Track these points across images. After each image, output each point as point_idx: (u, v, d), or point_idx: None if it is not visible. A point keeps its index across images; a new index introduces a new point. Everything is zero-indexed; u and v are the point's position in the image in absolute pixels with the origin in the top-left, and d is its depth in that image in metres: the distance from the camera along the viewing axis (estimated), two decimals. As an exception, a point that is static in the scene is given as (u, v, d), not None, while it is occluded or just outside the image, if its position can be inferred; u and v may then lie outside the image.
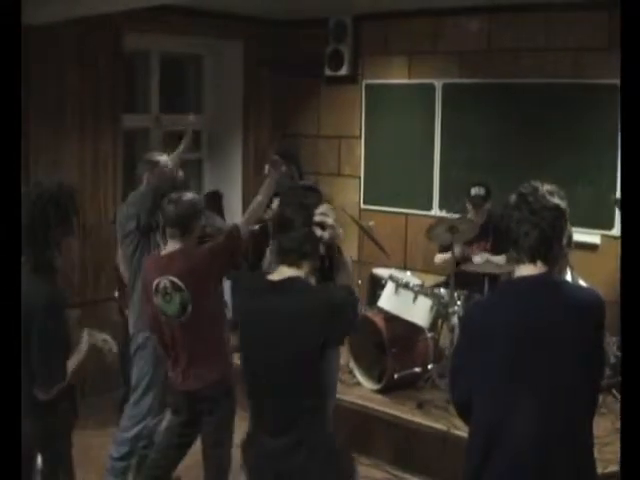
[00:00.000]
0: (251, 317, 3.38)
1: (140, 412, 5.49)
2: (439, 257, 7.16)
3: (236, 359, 4.65)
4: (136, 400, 5.51)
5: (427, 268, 7.81)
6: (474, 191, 6.96)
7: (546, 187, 3.04)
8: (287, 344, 3.24)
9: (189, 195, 4.90)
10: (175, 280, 4.67)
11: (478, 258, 6.83)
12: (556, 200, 3.01)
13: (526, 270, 3.02)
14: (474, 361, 3.03)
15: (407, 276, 6.92)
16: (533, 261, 3.01)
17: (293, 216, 3.33)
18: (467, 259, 6.87)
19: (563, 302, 3.00)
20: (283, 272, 3.33)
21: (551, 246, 3.01)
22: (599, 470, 3.13)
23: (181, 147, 6.21)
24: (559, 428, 2.95)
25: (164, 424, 5.29)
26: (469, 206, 6.97)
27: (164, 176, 5.71)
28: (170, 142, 8.53)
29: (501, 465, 2.95)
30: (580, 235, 6.22)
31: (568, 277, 4.79)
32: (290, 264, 3.32)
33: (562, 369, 2.94)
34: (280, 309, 3.24)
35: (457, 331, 6.39)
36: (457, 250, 6.66)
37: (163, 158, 5.79)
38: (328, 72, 8.67)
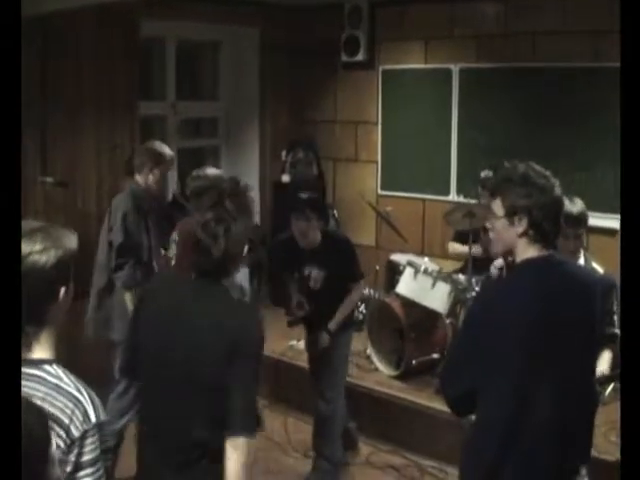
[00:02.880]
0: None
1: (124, 405, 5.42)
2: (452, 247, 7.12)
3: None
4: (120, 394, 5.44)
5: (445, 254, 7.79)
6: (483, 174, 6.94)
7: (538, 167, 3.10)
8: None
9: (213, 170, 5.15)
10: None
11: (498, 264, 6.76)
12: (554, 181, 3.07)
13: (531, 252, 3.03)
14: (485, 349, 2.98)
15: (425, 262, 6.90)
16: (546, 243, 3.03)
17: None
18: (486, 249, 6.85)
19: (572, 281, 3.05)
20: None
21: (559, 228, 3.07)
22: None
23: None
24: (575, 408, 2.98)
25: None
26: (480, 190, 6.96)
27: None
28: (185, 129, 8.57)
29: (524, 449, 2.96)
30: (599, 220, 6.18)
31: (581, 260, 4.77)
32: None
33: (576, 347, 2.96)
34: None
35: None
36: (476, 249, 6.64)
37: (167, 150, 5.72)
38: (344, 58, 8.64)
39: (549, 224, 3.00)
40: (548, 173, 3.07)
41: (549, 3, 7.27)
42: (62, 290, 2.33)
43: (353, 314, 5.95)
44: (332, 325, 5.55)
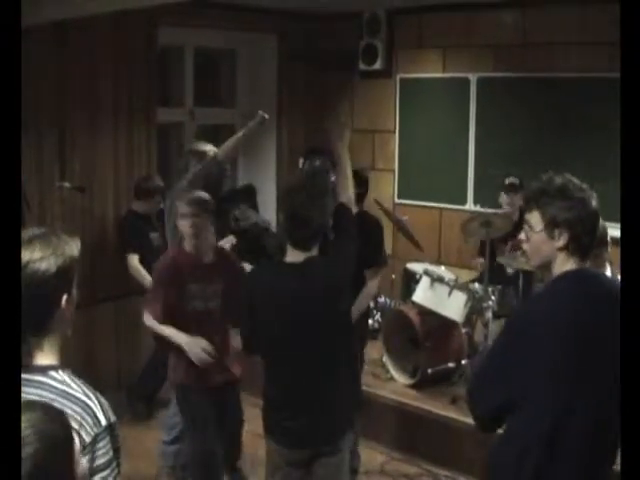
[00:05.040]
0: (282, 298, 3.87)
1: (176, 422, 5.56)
2: (476, 261, 7.17)
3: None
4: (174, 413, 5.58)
5: (461, 263, 7.78)
6: (508, 180, 6.96)
7: (575, 179, 3.04)
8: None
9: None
10: None
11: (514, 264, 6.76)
12: (591, 193, 3.02)
13: (569, 266, 2.98)
14: (523, 363, 2.90)
15: (442, 271, 6.89)
16: (582, 256, 2.99)
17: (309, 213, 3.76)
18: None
19: (607, 293, 2.97)
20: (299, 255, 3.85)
21: (595, 240, 3.02)
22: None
23: (231, 140, 6.28)
24: (608, 421, 2.94)
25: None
26: (503, 196, 6.95)
27: (212, 164, 5.92)
28: (203, 136, 8.58)
29: (561, 461, 2.91)
30: (613, 230, 6.14)
31: (608, 272, 4.74)
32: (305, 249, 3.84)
33: (613, 359, 2.91)
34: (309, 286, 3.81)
35: (491, 326, 6.37)
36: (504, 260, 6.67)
37: (209, 147, 5.88)
38: (362, 66, 8.64)
39: (587, 237, 2.97)
40: (585, 185, 3.02)
41: (566, 14, 7.26)
42: (64, 298, 2.31)
43: (366, 324, 5.92)
44: None
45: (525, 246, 3.14)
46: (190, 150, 6.06)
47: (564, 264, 2.99)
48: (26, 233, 2.29)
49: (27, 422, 1.78)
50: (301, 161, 8.91)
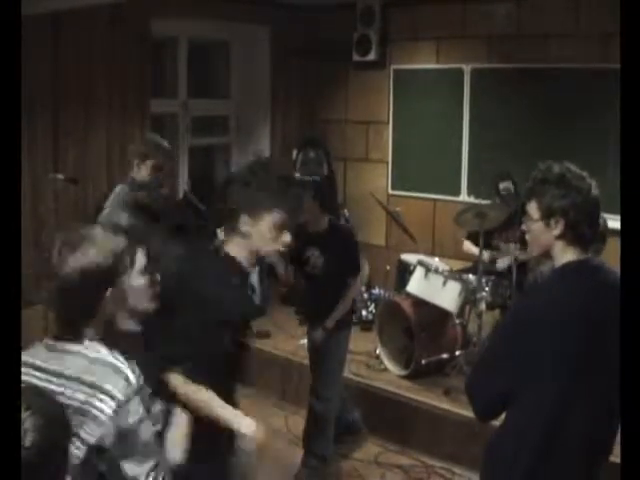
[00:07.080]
0: None
1: None
2: (467, 246, 7.11)
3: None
4: None
5: (455, 254, 7.77)
6: (502, 186, 6.82)
7: (574, 167, 3.00)
8: None
9: None
10: None
11: (506, 260, 6.74)
12: (591, 181, 2.98)
13: (569, 256, 2.95)
14: (524, 353, 2.87)
15: (435, 262, 6.90)
16: (584, 246, 2.96)
17: None
18: (496, 249, 6.83)
19: (610, 286, 2.91)
20: None
21: (597, 230, 3.00)
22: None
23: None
24: (607, 414, 2.93)
25: None
26: (498, 200, 6.85)
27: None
28: (197, 127, 8.57)
29: (558, 455, 2.90)
30: (610, 222, 6.16)
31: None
32: None
33: (613, 352, 2.89)
34: None
35: (484, 317, 6.38)
36: (486, 256, 6.63)
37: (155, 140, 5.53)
38: (356, 57, 8.64)
39: (587, 226, 2.93)
40: (585, 174, 2.99)
41: (560, 5, 7.26)
42: (108, 290, 2.45)
43: (350, 315, 5.94)
44: (329, 322, 5.52)
45: (527, 236, 3.12)
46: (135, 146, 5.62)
47: (564, 254, 2.96)
48: (74, 234, 2.45)
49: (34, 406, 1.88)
50: (295, 152, 8.95)
